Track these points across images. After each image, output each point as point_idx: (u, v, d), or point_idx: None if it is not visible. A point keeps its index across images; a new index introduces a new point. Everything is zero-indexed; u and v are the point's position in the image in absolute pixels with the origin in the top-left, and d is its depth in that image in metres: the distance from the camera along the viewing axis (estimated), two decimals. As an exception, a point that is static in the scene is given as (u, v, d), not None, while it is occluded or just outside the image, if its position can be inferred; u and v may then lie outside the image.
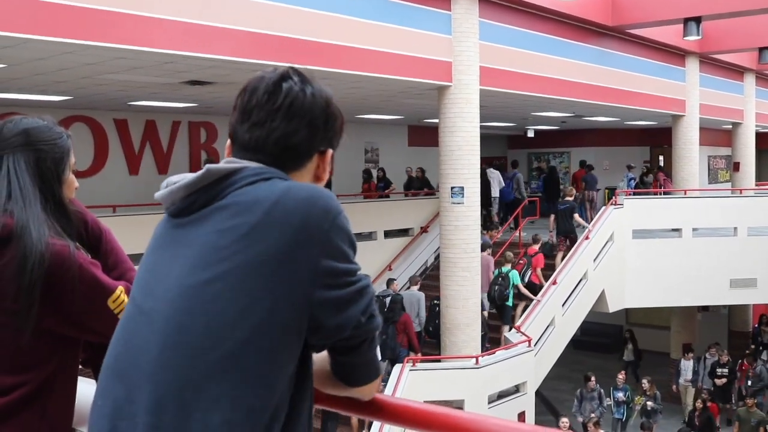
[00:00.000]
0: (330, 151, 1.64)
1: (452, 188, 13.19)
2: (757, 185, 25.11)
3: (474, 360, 12.80)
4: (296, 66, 1.67)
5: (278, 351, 1.42)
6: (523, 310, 15.20)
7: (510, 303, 15.09)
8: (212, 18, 9.56)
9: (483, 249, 15.11)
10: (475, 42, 13.06)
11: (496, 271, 15.23)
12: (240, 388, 1.38)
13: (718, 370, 18.22)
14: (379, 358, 1.64)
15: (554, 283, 15.28)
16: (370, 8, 11.58)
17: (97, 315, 1.97)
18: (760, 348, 20.72)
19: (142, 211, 14.93)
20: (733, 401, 18.25)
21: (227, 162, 1.57)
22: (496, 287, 14.88)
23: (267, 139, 1.57)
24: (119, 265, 2.17)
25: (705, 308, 22.73)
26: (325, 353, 1.60)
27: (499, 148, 30.25)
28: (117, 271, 2.13)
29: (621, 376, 17.17)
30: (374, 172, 22.20)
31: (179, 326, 1.43)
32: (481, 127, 13.57)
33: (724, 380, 18.03)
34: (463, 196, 13.12)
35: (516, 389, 13.81)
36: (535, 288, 15.49)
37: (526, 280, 15.58)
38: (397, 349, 13.93)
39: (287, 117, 1.57)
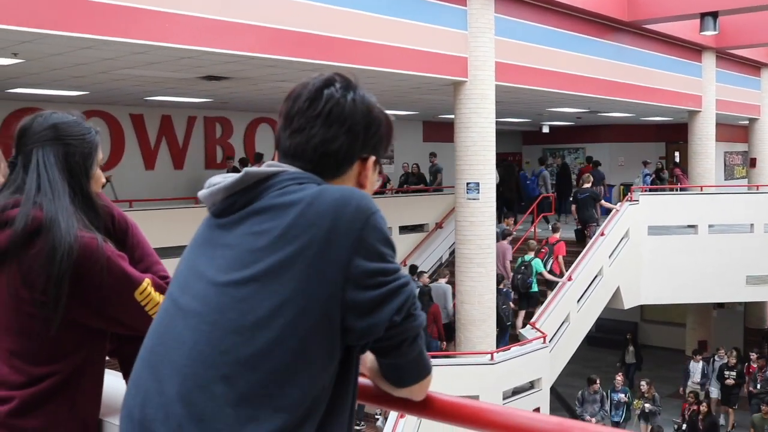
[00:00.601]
0: (372, 158, 1.64)
1: (468, 184, 13.18)
2: (773, 181, 24.98)
3: (489, 356, 12.81)
4: (342, 72, 1.68)
5: (310, 350, 1.43)
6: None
7: (535, 290, 15.28)
8: (230, 14, 9.59)
9: (503, 237, 15.73)
10: (491, 37, 13.05)
11: (519, 260, 15.41)
12: (270, 386, 1.40)
13: (725, 372, 17.90)
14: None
15: (570, 279, 15.26)
16: (385, 4, 11.59)
17: (124, 307, 2.00)
18: None
19: (158, 206, 15.03)
20: (737, 405, 17.99)
21: (267, 166, 1.59)
22: (519, 276, 15.14)
23: (306, 145, 1.59)
24: (145, 258, 2.19)
25: (720, 305, 22.64)
26: None
27: (513, 144, 30.20)
28: (143, 264, 2.16)
29: (619, 377, 16.97)
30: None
31: (212, 323, 1.45)
32: (496, 123, 13.55)
33: (731, 382, 17.73)
34: (478, 192, 13.11)
35: (531, 385, 13.80)
36: (558, 276, 15.70)
37: (548, 268, 15.71)
38: (427, 338, 13.97)
39: (326, 123, 1.58)
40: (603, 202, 17.61)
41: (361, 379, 1.65)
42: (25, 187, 1.99)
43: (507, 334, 14.62)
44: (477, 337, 13.23)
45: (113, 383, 2.19)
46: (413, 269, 16.48)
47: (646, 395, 16.52)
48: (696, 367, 18.29)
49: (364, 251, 1.46)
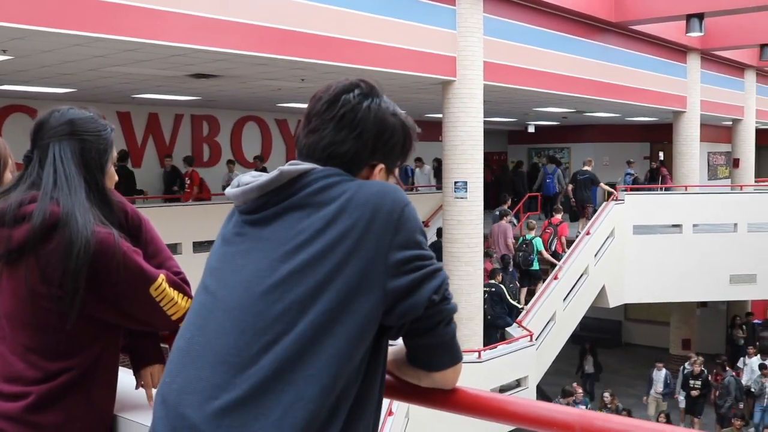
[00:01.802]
0: (380, 166, 1.69)
1: (455, 183, 13.22)
2: (756, 181, 25.15)
3: (476, 354, 12.86)
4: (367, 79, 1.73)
5: (349, 334, 1.48)
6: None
7: (536, 267, 15.83)
8: (220, 12, 9.58)
9: (501, 217, 16.43)
10: (480, 37, 13.09)
11: (520, 239, 15.97)
12: (313, 368, 1.45)
13: (690, 381, 17.19)
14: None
15: (556, 278, 15.34)
16: (375, 2, 11.60)
17: (139, 302, 2.02)
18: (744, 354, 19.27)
19: (144, 204, 14.99)
20: (702, 415, 17.42)
21: (293, 164, 1.64)
22: (521, 253, 15.71)
23: (317, 145, 1.66)
24: (159, 254, 2.20)
25: (704, 304, 22.79)
26: (401, 344, 1.67)
27: (499, 144, 30.27)
28: (156, 259, 2.17)
29: (579, 390, 16.28)
30: None
31: (257, 314, 1.50)
32: (483, 122, 13.61)
33: (696, 393, 17.06)
34: (466, 191, 13.16)
35: (517, 384, 13.88)
36: (558, 256, 16.17)
37: (553, 248, 16.26)
38: None
39: (338, 127, 1.65)
40: (602, 184, 18.20)
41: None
42: (41, 182, 2.00)
43: (514, 313, 14.80)
44: (464, 335, 13.26)
45: (126, 380, 2.21)
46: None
47: (609, 406, 16.29)
48: (659, 376, 17.62)
49: (402, 240, 1.54)
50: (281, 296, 1.49)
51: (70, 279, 1.88)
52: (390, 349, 1.69)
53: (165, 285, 2.05)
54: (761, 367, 17.07)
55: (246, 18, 9.87)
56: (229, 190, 1.69)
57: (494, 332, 14.51)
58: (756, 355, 17.97)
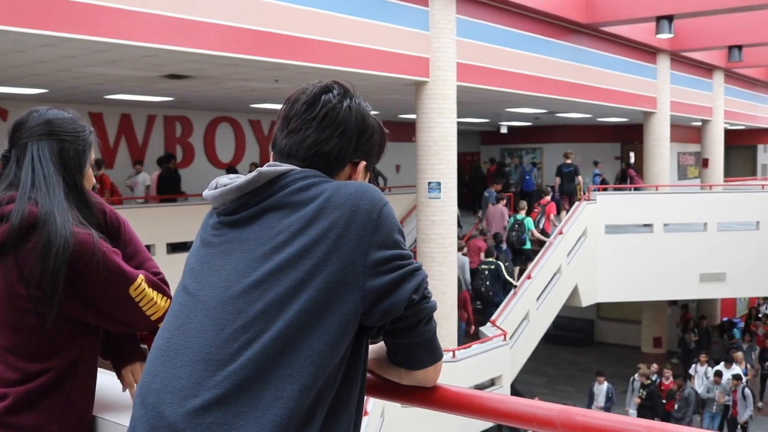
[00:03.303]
0: (363, 163, 1.72)
1: (429, 183, 13.26)
2: (725, 181, 25.45)
3: (451, 353, 12.90)
4: (340, 80, 1.76)
5: (328, 334, 1.49)
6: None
7: (528, 246, 16.67)
8: (192, 12, 9.54)
9: (498, 200, 18.13)
10: (453, 38, 13.14)
11: (512, 219, 16.81)
12: (291, 367, 1.46)
13: (640, 391, 16.52)
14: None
15: (529, 277, 15.42)
16: (348, 3, 11.60)
17: (118, 303, 2.02)
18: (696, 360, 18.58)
19: (123, 206, 14.88)
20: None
21: (271, 165, 1.66)
22: (514, 233, 16.51)
23: (300, 145, 1.68)
24: (138, 255, 2.20)
25: (675, 302, 23.02)
26: (382, 342, 1.69)
27: (472, 144, 30.41)
28: (136, 260, 2.17)
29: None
30: None
31: (236, 311, 1.51)
32: (456, 123, 13.66)
33: (638, 400, 16.34)
34: (440, 192, 13.19)
35: (491, 383, 13.94)
36: (547, 235, 17.10)
37: (541, 226, 17.20)
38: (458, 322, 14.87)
39: (321, 126, 1.67)
40: (579, 178, 19.33)
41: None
42: (19, 182, 2.00)
43: (509, 292, 15.24)
44: (439, 334, 13.15)
45: (105, 381, 2.21)
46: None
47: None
48: (600, 390, 16.68)
49: (381, 239, 1.55)
50: (261, 295, 1.50)
51: (49, 279, 1.88)
52: (371, 347, 1.71)
53: (144, 285, 2.05)
54: (716, 373, 16.72)
55: (218, 18, 9.84)
56: (207, 192, 1.70)
57: (493, 309, 14.98)
58: (706, 363, 17.73)
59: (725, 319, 23.96)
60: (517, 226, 16.57)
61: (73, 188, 2.06)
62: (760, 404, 18.87)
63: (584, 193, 18.40)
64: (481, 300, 15.45)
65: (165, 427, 1.46)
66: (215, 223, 1.68)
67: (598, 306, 22.26)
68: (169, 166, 16.44)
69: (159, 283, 2.12)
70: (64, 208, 1.97)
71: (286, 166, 1.64)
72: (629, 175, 22.79)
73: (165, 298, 2.10)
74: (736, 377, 16.52)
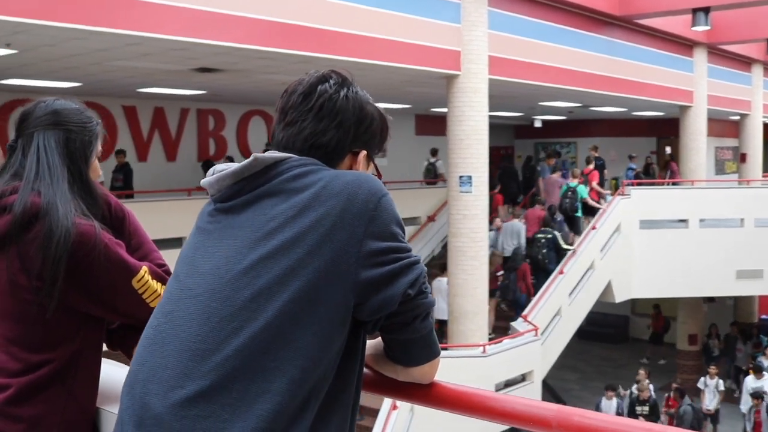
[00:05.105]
0: (363, 153, 1.68)
1: (460, 177, 13.20)
2: (764, 176, 25.08)
3: (481, 349, 12.84)
4: (338, 68, 1.73)
5: (318, 325, 1.45)
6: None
7: (579, 214, 17.02)
8: (222, 5, 9.57)
9: (554, 171, 19.04)
10: (484, 31, 13.06)
11: (564, 187, 17.05)
12: (279, 359, 1.42)
13: (637, 407, 15.40)
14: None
15: (561, 272, 15.30)
16: (379, -4, 11.60)
17: (121, 294, 2.00)
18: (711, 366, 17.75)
19: (152, 198, 15.01)
20: None
21: (270, 152, 1.62)
22: (567, 200, 16.83)
23: (297, 137, 1.64)
24: (142, 246, 2.19)
25: (711, 299, 22.74)
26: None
27: (506, 138, 30.25)
28: (140, 252, 2.16)
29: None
30: None
31: (223, 299, 1.47)
32: (489, 117, 13.58)
33: (641, 419, 14.51)
34: (471, 185, 13.13)
35: (522, 378, 13.85)
36: (597, 203, 17.59)
37: (586, 195, 17.59)
38: (518, 292, 15.59)
39: (317, 117, 1.64)
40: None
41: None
42: (23, 172, 2.00)
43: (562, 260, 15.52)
44: (470, 329, 13.25)
45: (111, 373, 2.20)
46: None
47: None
48: (609, 406, 15.29)
49: (377, 230, 1.50)
50: (249, 282, 1.46)
51: (49, 269, 1.87)
52: (369, 342, 1.66)
53: (148, 277, 2.04)
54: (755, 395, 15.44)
55: (248, 12, 9.87)
56: (204, 180, 1.67)
57: (544, 277, 15.28)
58: (716, 377, 17.00)
59: (763, 316, 23.59)
60: (570, 193, 16.83)
61: (78, 179, 2.06)
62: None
63: (617, 188, 18.29)
64: (536, 267, 15.70)
65: (150, 418, 1.43)
66: (211, 210, 1.65)
67: (634, 302, 22.06)
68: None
69: (163, 275, 2.10)
70: (67, 198, 1.96)
71: (284, 154, 1.61)
72: (671, 169, 22.51)
73: None
74: (757, 395, 15.40)
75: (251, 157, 1.60)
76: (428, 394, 1.72)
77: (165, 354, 1.48)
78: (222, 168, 1.65)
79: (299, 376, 1.42)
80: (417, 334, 1.59)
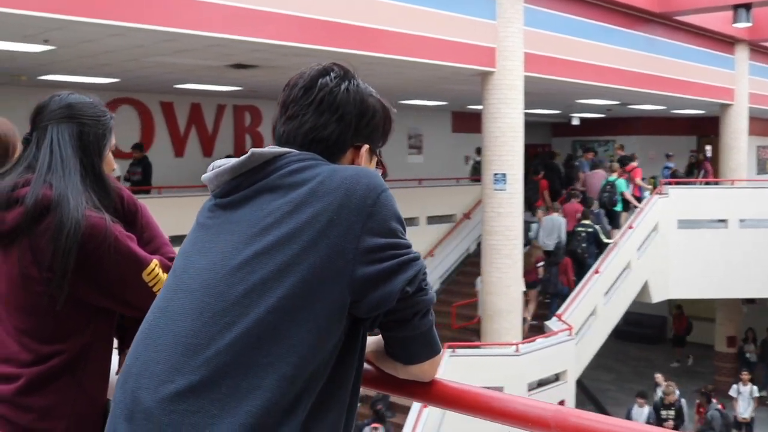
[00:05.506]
0: (365, 147, 1.66)
1: (495, 175, 13.14)
2: (806, 176, 24.65)
3: (514, 347, 12.78)
4: (340, 61, 1.71)
5: (313, 322, 1.43)
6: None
7: (619, 208, 16.80)
8: (258, 2, 9.62)
9: (596, 166, 18.75)
10: (520, 27, 12.98)
11: (604, 181, 16.86)
12: (271, 355, 1.40)
13: (662, 412, 14.61)
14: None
15: (597, 272, 15.17)
16: (414, -7, 11.57)
17: (131, 287, 2.01)
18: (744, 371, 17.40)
19: (187, 193, 15.11)
20: None
21: (271, 148, 1.61)
22: (606, 194, 16.66)
23: (298, 131, 1.62)
24: (154, 240, 2.20)
25: (750, 301, 22.40)
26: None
27: (543, 136, 30.02)
28: (152, 245, 2.17)
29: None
30: None
31: (217, 294, 1.46)
32: (525, 114, 13.50)
33: (671, 424, 14.30)
34: (505, 183, 13.06)
35: (556, 378, 13.77)
36: (638, 199, 17.30)
37: (629, 191, 17.29)
38: (559, 285, 15.53)
39: (318, 111, 1.62)
40: None
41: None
42: (36, 165, 2.02)
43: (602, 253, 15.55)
44: (503, 328, 13.19)
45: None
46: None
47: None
48: (640, 414, 14.66)
49: (375, 226, 1.48)
50: (243, 278, 1.45)
51: (59, 260, 1.89)
52: (370, 339, 1.65)
53: (158, 270, 2.04)
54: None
55: (284, 8, 9.91)
56: (204, 176, 1.67)
57: (584, 271, 15.29)
58: (750, 383, 16.57)
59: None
60: (609, 187, 16.64)
61: (90, 172, 2.07)
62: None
63: (655, 187, 18.03)
64: (575, 260, 15.65)
65: (140, 412, 1.43)
66: (211, 205, 1.64)
67: (671, 302, 21.81)
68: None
69: None
70: (79, 191, 1.98)
71: (283, 149, 1.59)
72: (704, 168, 22.19)
73: None
74: None
75: (248, 153, 1.58)
76: (428, 392, 1.71)
77: (158, 348, 1.48)
78: (221, 163, 1.64)
79: (291, 372, 1.40)
80: (416, 332, 1.57)
